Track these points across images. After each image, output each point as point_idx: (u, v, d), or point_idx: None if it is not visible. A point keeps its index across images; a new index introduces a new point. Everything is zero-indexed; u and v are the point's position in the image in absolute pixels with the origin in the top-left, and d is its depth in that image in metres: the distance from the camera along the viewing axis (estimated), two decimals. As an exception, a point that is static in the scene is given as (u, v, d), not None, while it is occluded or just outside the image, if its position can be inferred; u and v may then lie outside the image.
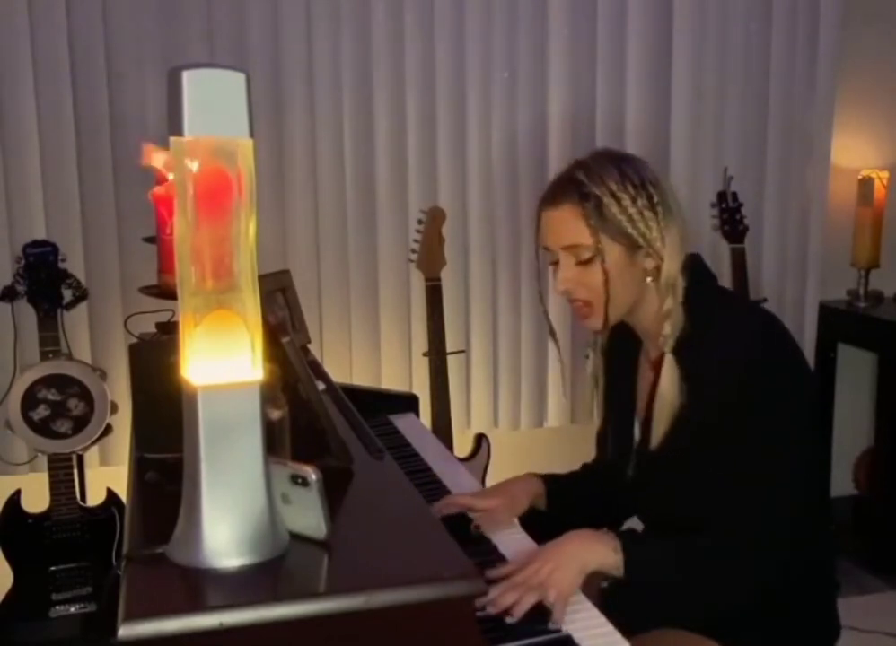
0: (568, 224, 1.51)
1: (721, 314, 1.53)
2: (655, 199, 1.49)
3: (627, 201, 1.48)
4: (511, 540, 1.60)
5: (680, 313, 1.51)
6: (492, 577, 1.40)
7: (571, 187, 1.51)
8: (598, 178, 1.49)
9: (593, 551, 1.42)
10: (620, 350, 1.69)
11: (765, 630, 1.54)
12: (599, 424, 1.76)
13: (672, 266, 1.50)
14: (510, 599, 1.34)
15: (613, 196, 1.48)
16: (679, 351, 1.51)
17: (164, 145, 1.11)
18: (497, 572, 1.42)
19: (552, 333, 1.78)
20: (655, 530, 1.70)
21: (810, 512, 1.51)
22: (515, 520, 1.71)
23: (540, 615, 1.34)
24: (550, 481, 1.77)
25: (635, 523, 1.78)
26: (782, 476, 1.46)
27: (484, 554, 1.54)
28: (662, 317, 1.52)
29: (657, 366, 1.56)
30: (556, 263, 1.56)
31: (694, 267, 1.55)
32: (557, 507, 1.75)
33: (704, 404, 1.48)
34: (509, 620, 1.32)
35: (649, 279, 1.53)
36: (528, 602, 1.34)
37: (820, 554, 1.60)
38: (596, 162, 1.53)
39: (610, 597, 1.44)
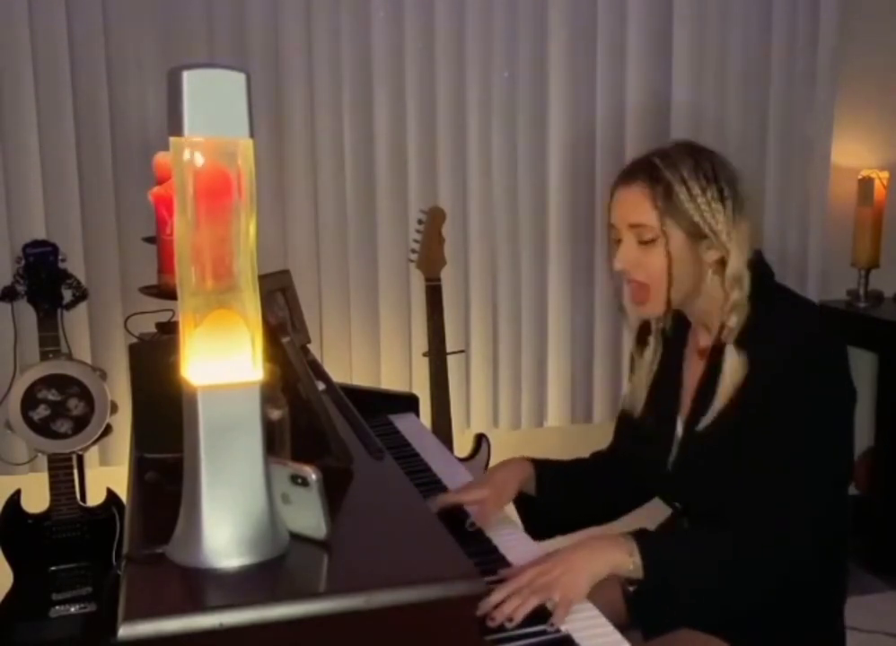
0: (636, 203, 1.53)
1: (782, 307, 1.55)
2: (726, 193, 1.52)
3: (696, 190, 1.51)
4: (511, 540, 1.60)
5: (747, 306, 1.53)
6: (504, 576, 1.40)
7: (645, 168, 1.54)
8: (672, 165, 1.52)
9: (607, 557, 1.41)
10: (668, 342, 1.70)
11: (772, 632, 1.54)
12: (640, 411, 1.72)
13: (738, 260, 1.53)
14: (513, 605, 1.32)
15: (684, 183, 1.51)
16: (740, 342, 1.52)
17: (164, 145, 1.11)
18: (509, 571, 1.42)
19: (623, 309, 1.77)
20: (691, 520, 1.68)
21: (834, 514, 1.50)
22: (517, 521, 1.72)
23: (539, 616, 1.33)
24: (541, 466, 1.76)
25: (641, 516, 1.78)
26: (814, 475, 1.45)
27: (484, 555, 1.54)
28: (728, 309, 1.53)
29: (706, 355, 1.58)
30: (618, 241, 1.58)
31: (757, 262, 1.58)
32: (547, 493, 1.75)
33: (753, 393, 1.49)
34: (508, 625, 1.31)
35: (710, 271, 1.55)
36: (530, 605, 1.33)
37: (834, 558, 1.59)
38: (674, 151, 1.56)
39: (636, 601, 1.43)
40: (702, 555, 1.45)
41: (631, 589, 1.43)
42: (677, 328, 1.69)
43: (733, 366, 1.51)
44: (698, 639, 1.53)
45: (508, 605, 1.33)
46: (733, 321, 1.52)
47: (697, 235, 1.52)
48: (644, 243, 1.53)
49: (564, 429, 3.15)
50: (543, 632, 1.31)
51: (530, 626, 1.31)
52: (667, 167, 1.52)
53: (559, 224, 3.04)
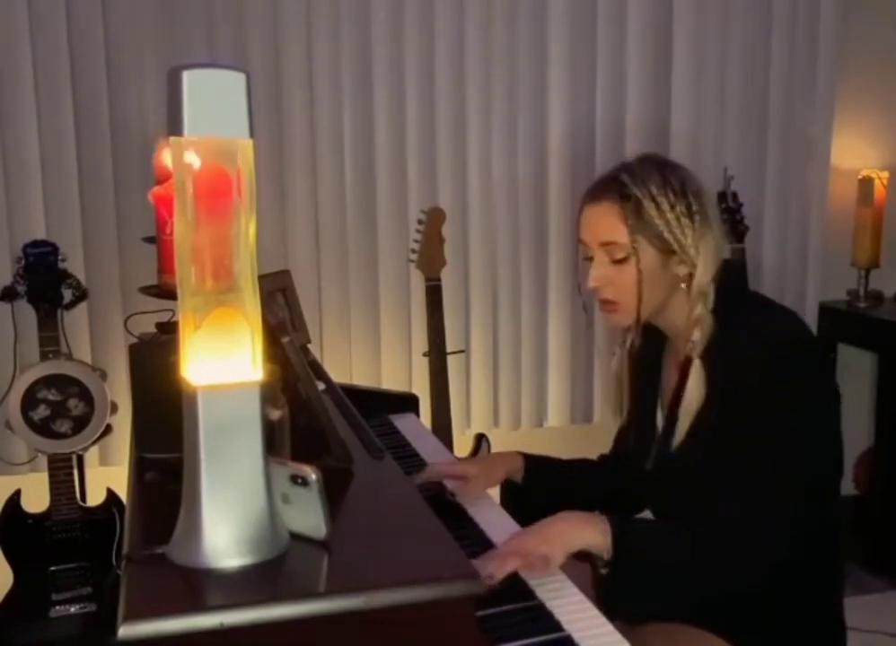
0: (606, 222, 1.53)
1: (745, 317, 1.55)
2: (694, 208, 1.52)
3: (665, 206, 1.51)
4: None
5: (710, 320, 1.54)
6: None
7: (613, 186, 1.54)
8: (640, 181, 1.52)
9: (581, 532, 1.46)
10: (646, 347, 1.71)
11: (772, 630, 1.55)
12: (624, 419, 1.76)
13: (704, 276, 1.53)
14: (490, 568, 1.36)
15: (653, 199, 1.51)
16: (705, 355, 1.54)
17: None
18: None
19: (590, 324, 1.79)
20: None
21: (815, 511, 1.51)
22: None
23: (519, 586, 1.38)
24: (532, 460, 1.81)
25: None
26: (786, 470, 1.46)
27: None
28: (691, 323, 1.54)
29: (683, 368, 1.58)
30: (590, 258, 1.58)
31: (723, 274, 1.57)
32: (533, 484, 1.79)
33: (723, 400, 1.50)
34: (489, 582, 1.32)
35: (682, 285, 1.55)
36: (509, 567, 1.37)
37: (828, 555, 1.61)
38: (641, 166, 1.56)
39: (606, 582, 1.46)
40: (673, 546, 1.48)
41: (602, 570, 1.46)
42: (653, 338, 1.69)
43: (696, 383, 1.53)
44: (698, 636, 1.55)
45: (489, 565, 1.36)
46: (696, 335, 1.53)
47: (666, 251, 1.52)
48: (616, 262, 1.54)
49: (564, 429, 3.15)
50: (543, 632, 1.30)
51: (528, 624, 1.32)
52: (635, 183, 1.52)
53: (559, 224, 3.04)
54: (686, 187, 1.53)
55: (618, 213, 1.52)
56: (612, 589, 1.45)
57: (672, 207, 1.51)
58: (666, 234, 1.51)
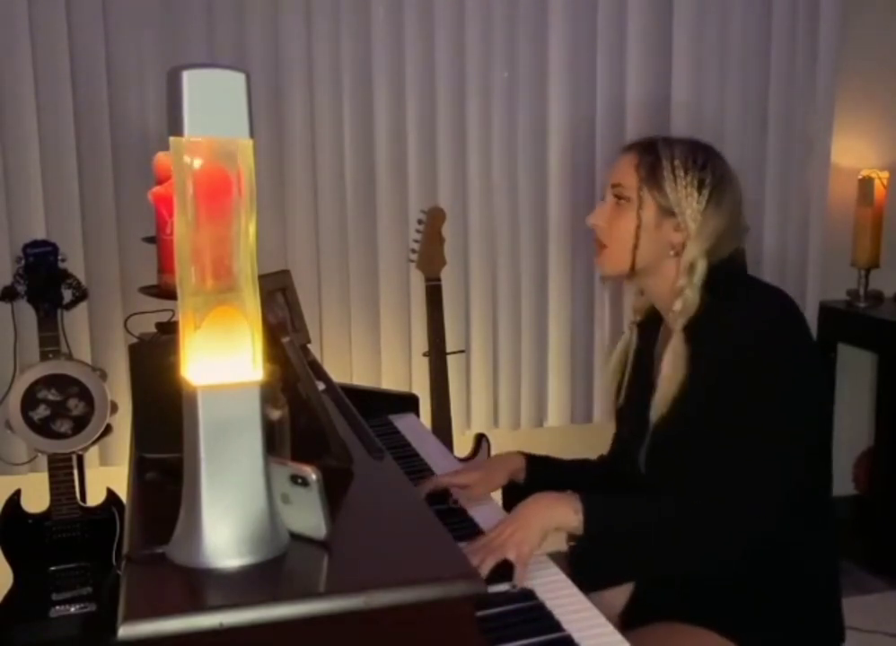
0: (624, 168, 1.63)
1: (738, 298, 1.57)
2: (707, 184, 1.58)
3: (680, 171, 1.58)
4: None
5: (695, 295, 1.57)
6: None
7: (646, 143, 1.64)
8: (669, 146, 1.61)
9: (554, 512, 1.48)
10: (642, 340, 1.74)
11: (771, 628, 1.56)
12: (621, 402, 1.78)
13: (694, 248, 1.57)
14: (473, 563, 1.37)
15: (671, 161, 1.58)
16: (690, 331, 1.57)
17: (164, 145, 1.11)
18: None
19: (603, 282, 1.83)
20: None
21: (797, 499, 1.51)
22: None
23: (503, 576, 1.40)
24: (532, 459, 1.83)
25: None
26: (766, 455, 1.47)
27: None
28: (674, 293, 1.59)
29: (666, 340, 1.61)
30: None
31: (727, 263, 1.61)
32: (534, 484, 1.80)
33: (708, 382, 1.52)
34: None
35: (672, 252, 1.60)
36: (489, 564, 1.41)
37: (823, 554, 1.61)
38: (680, 138, 1.65)
39: (574, 555, 1.49)
40: (643, 522, 1.50)
41: (571, 544, 1.49)
42: (651, 322, 1.72)
43: (674, 351, 1.57)
44: (693, 632, 1.55)
45: (472, 561, 1.37)
46: (678, 306, 1.58)
47: (666, 211, 1.58)
48: (619, 202, 1.61)
49: (564, 429, 3.15)
50: (543, 632, 1.30)
51: (529, 625, 1.33)
52: (663, 146, 1.61)
53: (559, 224, 3.04)
54: (710, 166, 1.59)
55: (634, 163, 1.60)
56: (583, 563, 1.48)
57: (686, 174, 1.57)
58: (670, 193, 1.57)
